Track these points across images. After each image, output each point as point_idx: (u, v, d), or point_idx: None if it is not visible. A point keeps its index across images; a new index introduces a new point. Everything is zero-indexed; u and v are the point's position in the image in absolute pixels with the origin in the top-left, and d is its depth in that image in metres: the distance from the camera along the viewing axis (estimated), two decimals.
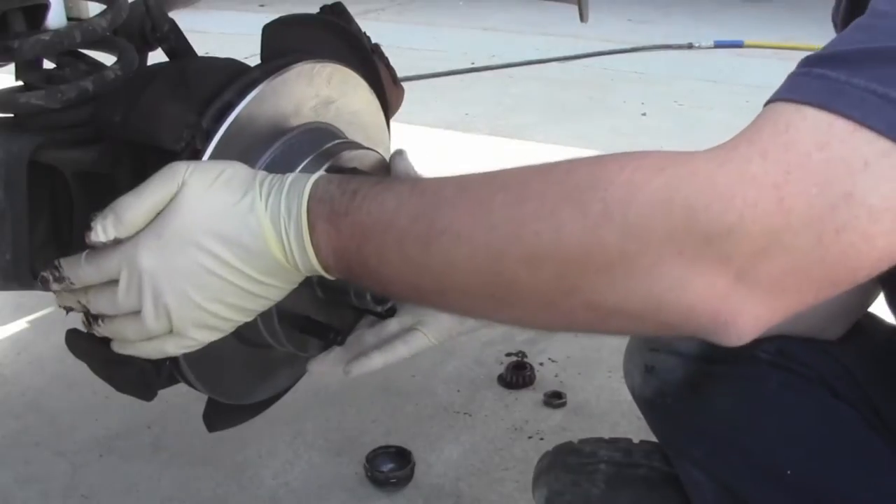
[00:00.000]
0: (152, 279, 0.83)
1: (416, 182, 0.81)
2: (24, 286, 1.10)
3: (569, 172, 0.73)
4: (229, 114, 0.96)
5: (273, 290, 0.86)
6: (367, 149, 1.07)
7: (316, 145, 1.02)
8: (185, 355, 0.97)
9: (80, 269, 0.87)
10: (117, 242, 0.85)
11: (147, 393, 1.00)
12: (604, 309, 0.73)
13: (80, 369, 1.04)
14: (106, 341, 0.93)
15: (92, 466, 1.92)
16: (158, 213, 0.84)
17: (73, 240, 1.10)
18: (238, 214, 0.83)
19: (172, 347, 0.88)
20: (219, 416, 1.13)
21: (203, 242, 0.82)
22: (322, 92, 1.06)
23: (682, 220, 0.68)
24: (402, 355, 1.04)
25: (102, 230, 0.85)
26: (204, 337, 0.88)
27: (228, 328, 0.89)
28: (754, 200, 0.67)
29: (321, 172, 0.87)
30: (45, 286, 0.90)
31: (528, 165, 0.76)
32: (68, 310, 0.93)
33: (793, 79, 0.75)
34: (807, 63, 0.75)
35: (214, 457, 1.93)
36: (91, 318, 0.90)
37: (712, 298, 0.69)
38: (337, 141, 1.05)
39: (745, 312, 0.70)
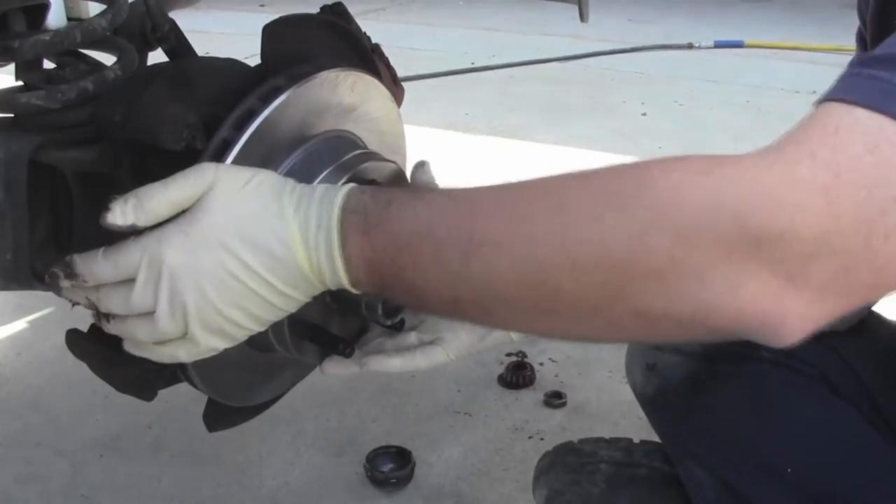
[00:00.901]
0: (172, 277, 0.81)
1: (451, 192, 0.79)
2: (24, 286, 1.10)
3: (611, 178, 0.72)
4: (252, 121, 0.95)
5: (291, 302, 0.85)
6: (386, 160, 1.06)
7: (335, 156, 1.01)
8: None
9: (95, 265, 0.85)
10: (134, 232, 0.83)
11: (147, 393, 1.01)
12: (651, 315, 0.72)
13: (80, 369, 1.04)
14: (107, 341, 0.93)
15: (92, 466, 1.92)
16: (183, 211, 0.83)
17: (73, 240, 1.10)
18: (267, 221, 0.81)
19: (184, 353, 0.86)
20: (219, 417, 1.13)
21: (230, 244, 0.81)
22: (345, 100, 1.06)
23: (731, 224, 0.67)
24: (420, 365, 1.03)
25: (122, 213, 0.83)
26: (216, 344, 0.86)
27: (241, 337, 0.87)
28: (803, 204, 0.67)
29: (352, 184, 0.85)
30: (54, 282, 0.87)
31: (567, 173, 0.75)
32: (75, 304, 0.91)
33: (843, 79, 0.74)
34: (858, 64, 0.74)
35: (214, 457, 1.93)
36: (101, 315, 0.88)
37: (762, 301, 0.69)
38: (356, 152, 1.04)
39: (793, 314, 0.69)
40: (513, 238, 0.73)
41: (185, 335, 0.84)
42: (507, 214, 0.74)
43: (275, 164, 0.97)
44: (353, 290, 0.83)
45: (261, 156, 0.96)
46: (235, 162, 0.93)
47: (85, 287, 0.87)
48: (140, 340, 0.87)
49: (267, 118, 0.95)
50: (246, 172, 0.85)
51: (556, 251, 0.72)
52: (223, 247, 0.81)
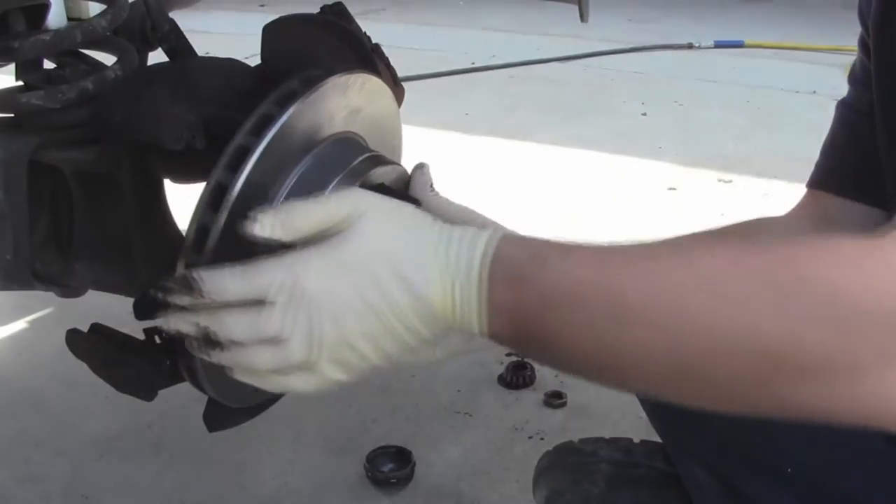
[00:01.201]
0: (312, 303, 0.78)
1: (604, 254, 0.78)
2: (24, 286, 1.10)
3: (766, 267, 0.72)
4: (270, 127, 0.94)
5: (421, 342, 0.82)
6: (392, 163, 1.06)
7: (344, 161, 1.01)
8: (204, 361, 0.96)
9: (226, 282, 0.79)
10: (280, 247, 0.80)
11: (147, 393, 1.01)
12: (795, 405, 0.72)
13: (81, 369, 1.04)
14: (107, 341, 0.93)
15: (92, 466, 1.92)
16: (328, 237, 0.80)
17: (73, 240, 1.10)
18: (413, 257, 0.79)
19: (301, 383, 0.83)
20: (219, 417, 1.13)
21: (380, 277, 0.79)
22: (353, 102, 1.06)
23: (887, 326, 0.67)
24: (408, 362, 1.02)
25: (269, 226, 0.80)
26: (339, 377, 0.82)
27: (363, 372, 0.83)
28: None
29: (498, 228, 0.83)
30: (167, 296, 0.81)
31: (715, 244, 0.76)
32: (171, 333, 0.83)
33: None
34: None
35: (214, 457, 1.93)
36: (208, 343, 0.82)
37: None
38: (364, 156, 1.04)
39: None
40: (667, 317, 0.73)
41: (309, 366, 0.81)
42: (661, 291, 0.74)
43: (286, 169, 0.97)
44: (482, 337, 0.81)
45: (276, 161, 0.95)
46: (253, 167, 0.92)
47: (199, 308, 0.81)
48: (258, 369, 0.82)
49: (283, 123, 0.95)
50: (396, 204, 0.84)
51: (711, 339, 0.72)
52: (372, 278, 0.79)
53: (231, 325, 0.80)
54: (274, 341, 0.79)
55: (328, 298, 0.78)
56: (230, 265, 0.80)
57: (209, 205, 0.92)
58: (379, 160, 1.04)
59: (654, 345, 0.74)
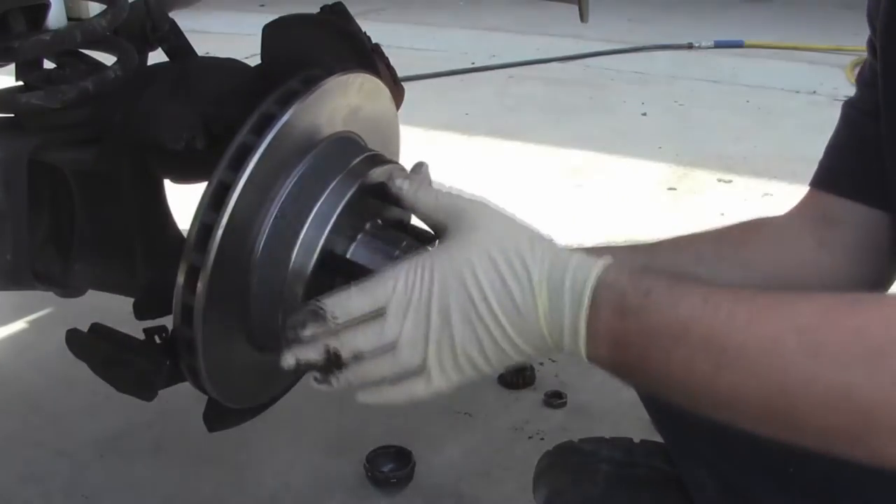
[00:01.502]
0: (421, 307, 0.84)
1: (710, 295, 0.81)
2: (24, 286, 1.10)
3: (860, 324, 0.74)
4: (272, 126, 0.94)
5: (522, 353, 0.86)
6: (389, 161, 1.06)
7: (343, 161, 1.01)
8: (206, 359, 0.96)
9: (349, 302, 0.85)
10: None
11: (147, 393, 1.01)
12: (888, 459, 0.74)
13: (81, 369, 1.04)
14: (107, 341, 0.93)
15: (93, 466, 1.92)
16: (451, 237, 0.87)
17: (73, 240, 1.10)
18: (522, 275, 0.83)
19: (419, 389, 0.87)
20: (219, 417, 1.13)
21: (486, 290, 0.83)
22: (353, 101, 1.06)
23: None
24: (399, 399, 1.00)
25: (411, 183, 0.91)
26: (447, 381, 0.87)
27: (467, 378, 0.87)
28: None
29: (609, 258, 0.85)
30: (295, 336, 0.86)
31: (812, 298, 0.78)
32: (303, 368, 0.88)
33: None
34: None
35: (214, 457, 1.92)
36: (335, 366, 0.87)
37: None
38: (362, 156, 1.04)
39: None
40: (764, 367, 0.76)
41: (421, 370, 0.86)
42: (760, 341, 0.77)
43: (287, 169, 0.97)
44: (584, 358, 0.84)
45: (277, 160, 0.96)
46: (255, 167, 0.93)
47: (328, 332, 0.86)
48: (377, 379, 0.87)
49: (284, 122, 0.95)
50: (506, 213, 0.88)
51: (804, 389, 0.75)
52: (473, 280, 0.83)
53: (356, 340, 0.86)
54: (391, 347, 0.85)
55: (436, 299, 0.84)
56: (348, 287, 0.86)
57: (211, 204, 0.93)
58: (378, 160, 1.04)
59: (748, 390, 0.77)
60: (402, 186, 0.95)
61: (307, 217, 0.96)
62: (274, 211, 0.96)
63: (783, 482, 1.11)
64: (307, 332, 0.86)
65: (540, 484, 1.41)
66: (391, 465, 1.87)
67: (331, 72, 1.01)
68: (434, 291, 0.84)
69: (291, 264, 0.96)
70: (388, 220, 1.05)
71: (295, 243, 0.96)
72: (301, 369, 0.89)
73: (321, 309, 0.86)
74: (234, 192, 0.92)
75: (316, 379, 0.90)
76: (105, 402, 2.05)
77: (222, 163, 0.93)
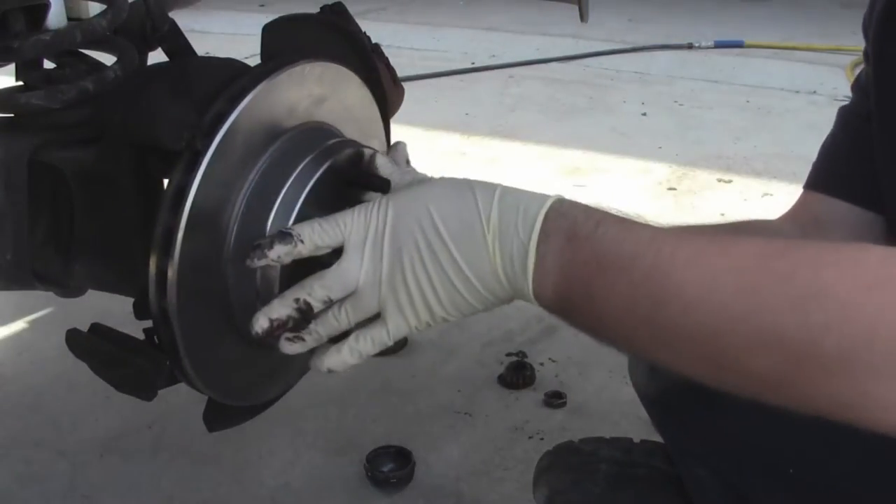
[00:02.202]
0: (376, 245, 0.88)
1: (656, 233, 0.82)
2: (24, 286, 1.10)
3: (791, 273, 0.75)
4: (222, 125, 0.95)
5: (474, 294, 0.87)
6: (363, 146, 1.07)
7: (312, 146, 1.02)
8: (190, 358, 0.97)
9: (313, 227, 0.90)
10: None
11: (147, 393, 1.00)
12: (819, 404, 0.75)
13: (81, 369, 1.04)
14: (107, 341, 0.93)
15: (92, 466, 1.92)
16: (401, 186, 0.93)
17: (73, 240, 1.10)
18: (469, 200, 0.86)
19: (376, 339, 0.90)
20: (219, 417, 1.13)
21: (431, 211, 0.86)
22: (314, 91, 1.06)
23: (885, 346, 0.70)
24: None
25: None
26: (402, 324, 0.89)
27: (424, 321, 0.89)
28: None
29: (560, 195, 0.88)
30: (262, 255, 0.90)
31: (757, 244, 0.79)
32: (273, 329, 0.92)
33: None
34: None
35: (214, 457, 1.93)
36: (305, 319, 0.91)
37: None
38: (333, 140, 1.05)
39: None
40: (701, 305, 0.77)
41: (380, 316, 0.89)
42: (700, 278, 0.78)
43: (250, 164, 0.98)
44: (521, 294, 0.85)
45: (235, 157, 0.97)
46: (209, 167, 0.94)
47: (290, 295, 0.91)
48: (344, 328, 0.91)
49: (237, 119, 0.96)
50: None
51: (738, 329, 0.76)
52: (426, 212, 0.86)
53: (322, 282, 0.89)
54: (353, 290, 0.89)
55: (391, 238, 0.87)
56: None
57: (171, 207, 0.94)
58: (346, 145, 1.05)
59: (684, 328, 0.78)
60: (378, 165, 0.99)
61: (272, 208, 0.98)
62: (240, 206, 0.98)
63: (783, 482, 1.11)
64: (273, 252, 0.89)
65: (540, 484, 1.41)
66: (391, 465, 1.87)
67: (283, 64, 1.02)
68: (388, 225, 0.87)
69: None
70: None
71: (263, 235, 0.97)
72: (273, 331, 0.91)
73: (289, 230, 0.90)
74: (189, 192, 0.93)
75: (288, 339, 0.92)
76: (105, 402, 2.06)
77: (179, 165, 0.94)
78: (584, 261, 0.82)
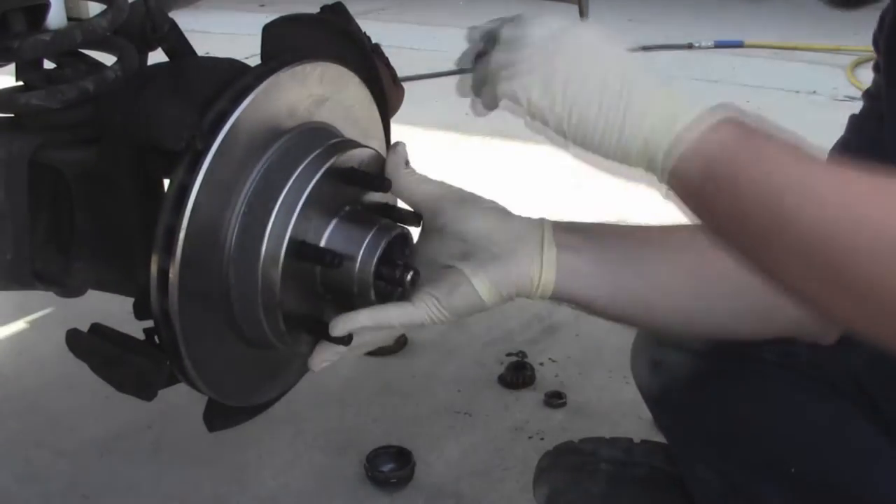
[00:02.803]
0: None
1: (797, 148, 0.84)
2: (24, 286, 1.10)
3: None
4: (223, 124, 0.95)
5: (608, 129, 0.89)
6: (363, 146, 1.07)
7: (312, 148, 1.02)
8: (191, 358, 0.97)
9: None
10: None
11: (147, 393, 1.01)
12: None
13: (81, 369, 1.04)
14: (107, 341, 0.93)
15: (92, 466, 1.92)
16: None
17: (73, 240, 1.10)
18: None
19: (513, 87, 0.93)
20: (219, 417, 1.13)
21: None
22: (315, 91, 1.06)
23: None
24: (391, 317, 1.02)
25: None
26: (529, 95, 0.92)
27: (547, 111, 0.91)
28: None
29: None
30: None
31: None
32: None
33: None
34: None
35: (214, 457, 1.92)
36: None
37: None
38: (333, 141, 1.05)
39: None
40: (836, 204, 0.78)
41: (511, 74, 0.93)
42: (832, 187, 0.79)
43: (251, 164, 0.98)
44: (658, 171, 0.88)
45: (237, 157, 0.97)
46: (211, 167, 0.94)
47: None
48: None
49: (238, 119, 0.96)
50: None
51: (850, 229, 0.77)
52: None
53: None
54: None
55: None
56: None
57: (172, 207, 0.94)
58: (348, 145, 1.05)
59: (807, 221, 0.78)
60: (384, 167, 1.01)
61: (273, 209, 0.97)
62: (241, 206, 0.98)
63: (785, 482, 1.11)
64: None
65: (541, 483, 1.42)
66: (391, 465, 1.87)
67: (284, 64, 1.02)
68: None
69: (262, 257, 0.97)
70: (368, 203, 1.06)
71: (263, 236, 0.97)
72: None
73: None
74: (191, 192, 0.93)
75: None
76: (105, 402, 2.05)
77: (181, 165, 0.94)
78: (753, 147, 0.84)
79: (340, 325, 1.01)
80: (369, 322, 1.01)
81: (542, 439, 1.97)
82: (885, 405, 1.14)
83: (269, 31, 1.10)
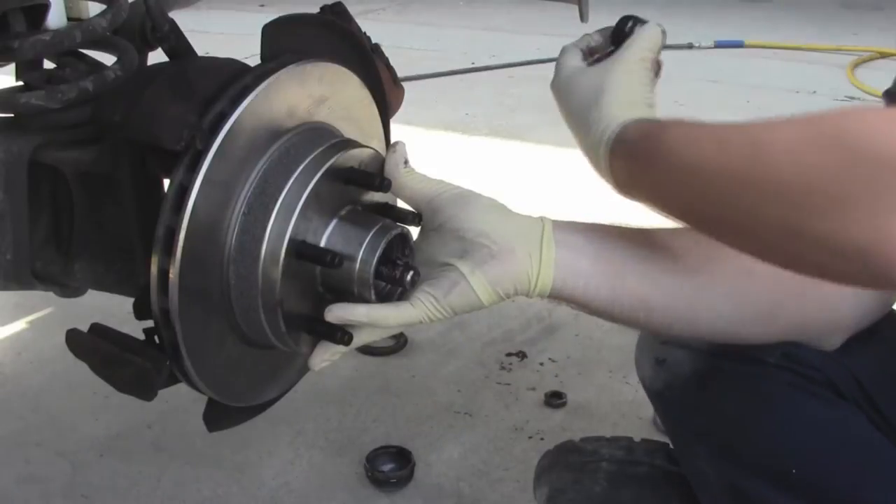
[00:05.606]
0: None
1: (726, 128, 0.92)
2: (24, 286, 1.10)
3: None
4: (223, 124, 0.95)
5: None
6: (362, 146, 1.07)
7: (312, 148, 1.02)
8: (191, 358, 0.97)
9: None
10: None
11: (147, 393, 1.01)
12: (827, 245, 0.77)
13: (81, 369, 1.04)
14: (107, 341, 0.93)
15: (92, 466, 1.92)
16: None
17: (73, 240, 1.10)
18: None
19: None
20: (219, 417, 1.13)
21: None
22: (315, 91, 1.06)
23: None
24: (387, 316, 1.01)
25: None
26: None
27: None
28: None
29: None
30: None
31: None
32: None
33: None
34: None
35: (214, 457, 1.93)
36: None
37: None
38: (332, 141, 1.05)
39: None
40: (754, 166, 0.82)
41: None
42: (748, 150, 0.84)
43: (251, 165, 0.98)
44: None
45: (236, 158, 0.97)
46: (211, 168, 0.94)
47: None
48: None
49: (238, 119, 0.96)
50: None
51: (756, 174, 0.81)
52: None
53: None
54: None
55: None
56: None
57: (172, 207, 0.94)
58: (347, 145, 1.05)
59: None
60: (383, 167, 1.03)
61: (273, 210, 0.97)
62: (241, 207, 0.98)
63: (786, 483, 1.11)
64: None
65: (541, 483, 1.42)
66: (391, 465, 1.87)
67: (284, 64, 1.02)
68: None
69: (262, 257, 0.97)
70: (368, 203, 1.06)
71: (264, 236, 0.97)
72: None
73: None
74: (191, 193, 0.93)
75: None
76: (105, 402, 2.05)
77: (180, 165, 0.94)
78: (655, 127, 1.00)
79: (337, 311, 1.00)
80: (367, 318, 1.01)
81: (542, 439, 1.97)
82: (888, 407, 1.13)
83: (268, 31, 1.10)
